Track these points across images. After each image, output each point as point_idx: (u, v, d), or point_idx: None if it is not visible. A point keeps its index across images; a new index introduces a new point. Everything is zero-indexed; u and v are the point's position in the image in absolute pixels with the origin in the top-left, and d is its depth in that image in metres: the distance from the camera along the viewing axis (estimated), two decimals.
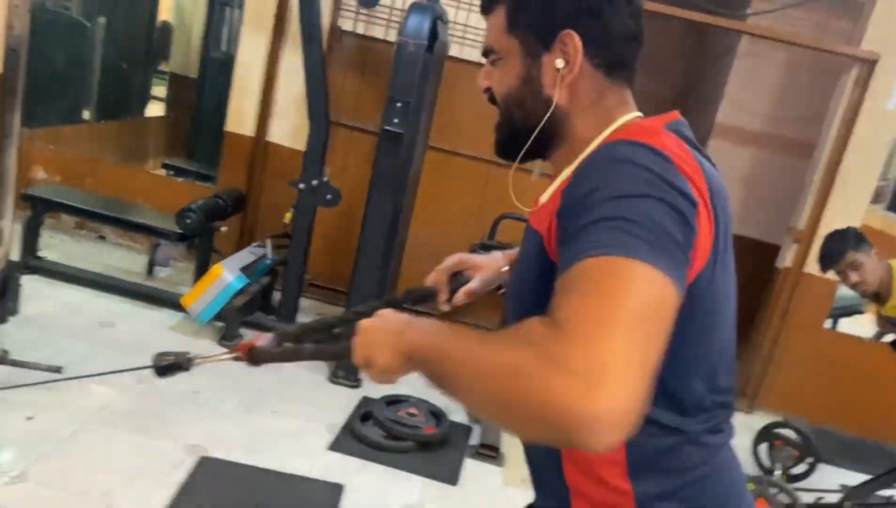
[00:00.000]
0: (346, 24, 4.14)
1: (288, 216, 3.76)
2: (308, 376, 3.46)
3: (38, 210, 3.75)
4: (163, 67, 7.03)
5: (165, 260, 4.38)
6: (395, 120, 3.17)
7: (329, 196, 3.61)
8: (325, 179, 3.63)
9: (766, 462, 3.47)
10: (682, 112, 1.01)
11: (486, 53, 1.05)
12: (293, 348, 1.08)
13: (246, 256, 3.79)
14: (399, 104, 3.15)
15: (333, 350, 1.04)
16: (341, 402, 3.28)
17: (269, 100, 4.27)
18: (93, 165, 4.63)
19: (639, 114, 1.01)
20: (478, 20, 4.10)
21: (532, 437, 0.85)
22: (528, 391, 0.69)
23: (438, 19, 3.34)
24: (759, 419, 3.87)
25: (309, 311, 4.17)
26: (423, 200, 4.09)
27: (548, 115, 0.97)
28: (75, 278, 3.79)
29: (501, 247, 3.87)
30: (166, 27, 6.90)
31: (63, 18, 5.96)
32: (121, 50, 6.09)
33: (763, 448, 3.52)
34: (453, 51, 4.08)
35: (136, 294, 3.81)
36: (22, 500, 2.27)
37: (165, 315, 3.73)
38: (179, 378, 1.15)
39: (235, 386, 3.19)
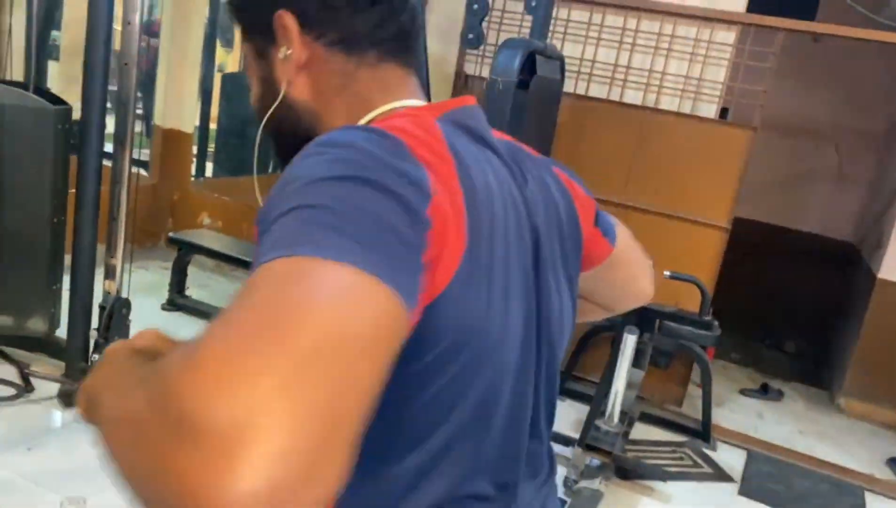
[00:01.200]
0: (470, 68, 4.08)
1: None
2: None
3: (182, 252, 4.08)
4: None
5: None
6: None
7: None
8: None
9: None
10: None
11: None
12: None
13: None
14: None
15: None
16: None
17: None
18: (251, 213, 4.97)
19: (411, 102, 0.80)
20: (606, 55, 3.83)
21: None
22: (139, 451, 0.46)
23: (539, 55, 3.14)
24: None
25: None
26: None
27: (274, 107, 0.81)
28: (210, 316, 4.04)
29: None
30: None
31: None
32: None
33: None
34: (580, 88, 3.85)
35: None
36: None
37: None
38: None
39: None
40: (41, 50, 4.37)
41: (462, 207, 0.65)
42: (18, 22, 3.61)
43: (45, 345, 3.24)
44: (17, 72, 3.44)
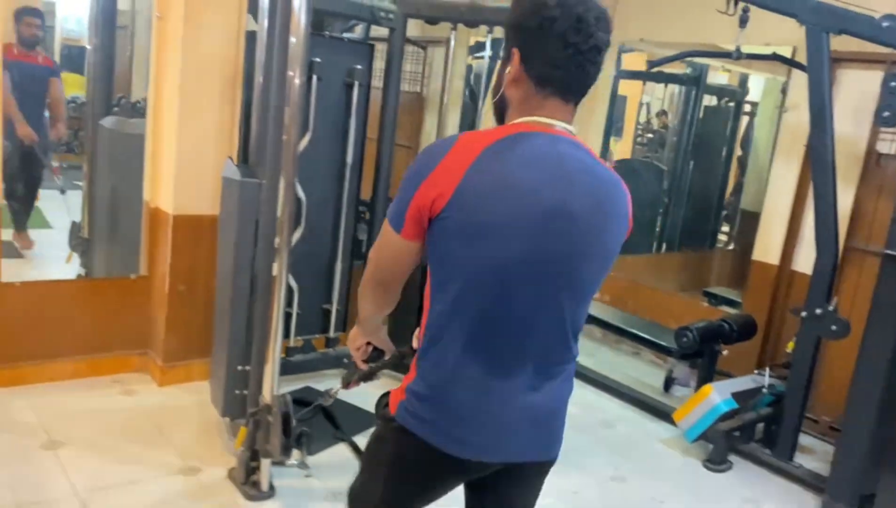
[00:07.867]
0: (885, 147, 3.81)
1: (790, 346, 3.57)
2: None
3: None
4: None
5: (686, 380, 4.56)
6: None
7: (834, 327, 3.32)
8: (832, 308, 3.35)
9: None
10: None
11: None
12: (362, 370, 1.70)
13: (744, 381, 3.73)
14: None
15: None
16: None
17: (796, 228, 4.18)
18: (635, 289, 5.20)
19: (540, 119, 1.37)
20: None
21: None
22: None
23: None
24: None
25: (814, 450, 3.79)
26: None
27: (496, 99, 1.45)
28: (594, 381, 4.33)
29: None
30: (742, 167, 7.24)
31: (650, 167, 7.00)
32: (699, 191, 6.75)
33: None
34: None
35: (641, 404, 4.12)
36: None
37: (662, 428, 3.91)
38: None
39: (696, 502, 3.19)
40: None
41: (459, 177, 1.28)
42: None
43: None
44: None
